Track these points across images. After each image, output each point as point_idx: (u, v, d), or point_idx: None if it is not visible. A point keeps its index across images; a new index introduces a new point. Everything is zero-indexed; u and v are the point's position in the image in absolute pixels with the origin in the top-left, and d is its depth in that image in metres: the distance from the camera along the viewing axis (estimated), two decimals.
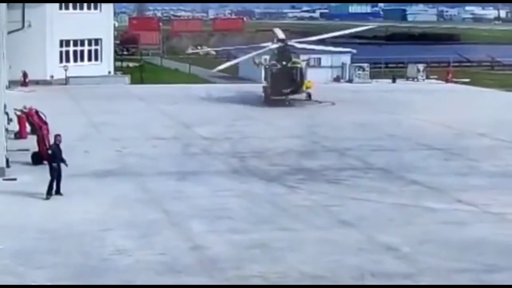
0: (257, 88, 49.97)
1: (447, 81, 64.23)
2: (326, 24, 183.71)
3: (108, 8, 62.31)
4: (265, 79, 49.98)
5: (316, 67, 60.19)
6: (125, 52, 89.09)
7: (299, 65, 48.04)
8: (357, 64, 63.02)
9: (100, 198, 23.83)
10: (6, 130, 28.87)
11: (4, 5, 30.43)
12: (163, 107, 45.60)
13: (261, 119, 41.89)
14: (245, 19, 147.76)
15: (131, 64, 74.44)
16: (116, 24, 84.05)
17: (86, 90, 52.08)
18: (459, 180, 27.22)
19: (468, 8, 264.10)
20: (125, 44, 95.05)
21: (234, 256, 18.53)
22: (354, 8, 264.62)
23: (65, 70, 56.37)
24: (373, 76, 63.78)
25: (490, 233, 20.73)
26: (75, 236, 19.93)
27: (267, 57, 50.12)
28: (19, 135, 33.28)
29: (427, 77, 65.53)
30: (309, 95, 48.37)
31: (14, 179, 26.02)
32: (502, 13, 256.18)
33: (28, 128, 32.99)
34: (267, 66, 49.14)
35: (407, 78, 64.97)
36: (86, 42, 60.65)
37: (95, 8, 61.04)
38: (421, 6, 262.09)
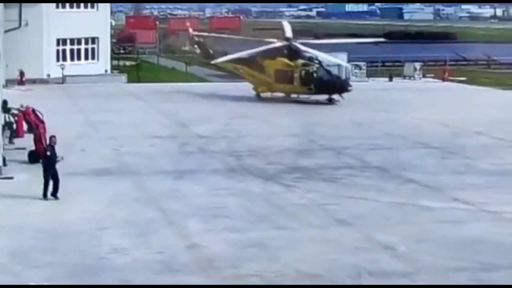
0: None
1: (443, 79, 64.27)
2: (323, 22, 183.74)
3: (105, 6, 62.38)
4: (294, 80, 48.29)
5: None
6: (121, 51, 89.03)
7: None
8: (354, 63, 63.02)
9: (97, 196, 23.81)
10: (3, 128, 28.84)
11: (1, 4, 30.41)
12: (160, 106, 45.60)
13: (257, 117, 41.90)
14: (241, 17, 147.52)
15: (127, 63, 74.43)
16: (113, 23, 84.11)
17: (83, 89, 52.09)
18: (456, 179, 27.22)
19: (464, 6, 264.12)
20: (122, 43, 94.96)
21: (231, 255, 18.52)
22: (350, 7, 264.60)
23: (62, 68, 56.36)
24: (369, 74, 63.80)
25: (487, 231, 20.74)
26: (72, 235, 19.91)
27: None
28: (16, 134, 33.24)
29: (424, 76, 65.59)
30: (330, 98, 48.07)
31: (11, 178, 26.00)
32: (499, 12, 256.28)
33: (25, 126, 32.94)
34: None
35: (404, 77, 64.98)
36: (83, 41, 60.68)
37: (92, 6, 61.11)
38: (417, 5, 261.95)
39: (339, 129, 38.20)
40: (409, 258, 18.58)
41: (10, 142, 31.75)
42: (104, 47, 62.11)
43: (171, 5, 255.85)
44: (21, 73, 53.80)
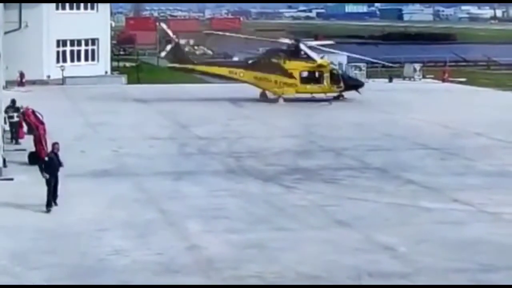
0: (255, 88, 49.98)
1: (443, 80, 64.32)
2: (323, 24, 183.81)
3: (104, 8, 62.33)
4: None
5: None
6: (121, 52, 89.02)
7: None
8: (354, 64, 63.03)
9: (96, 198, 23.82)
10: (3, 130, 28.87)
11: (1, 5, 30.49)
12: (160, 107, 45.61)
13: (257, 119, 41.91)
14: (241, 19, 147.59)
15: (127, 64, 74.35)
16: (113, 24, 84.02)
17: (83, 90, 52.07)
18: (455, 180, 27.25)
19: (464, 7, 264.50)
20: (122, 44, 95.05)
21: (230, 256, 18.53)
22: (350, 8, 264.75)
23: (62, 70, 56.35)
24: (369, 75, 63.81)
25: (486, 232, 20.76)
26: (72, 236, 19.92)
27: None
28: (16, 135, 33.25)
29: (424, 77, 65.66)
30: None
31: (11, 179, 26.02)
32: (498, 13, 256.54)
33: (25, 128, 32.97)
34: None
35: (404, 78, 65.05)
36: (82, 42, 60.65)
37: (92, 8, 61.06)
38: (417, 6, 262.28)
39: (339, 130, 38.23)
40: (409, 259, 18.59)
41: (16, 142, 31.85)
42: (104, 49, 62.10)
43: (171, 6, 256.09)
44: (21, 74, 53.80)
